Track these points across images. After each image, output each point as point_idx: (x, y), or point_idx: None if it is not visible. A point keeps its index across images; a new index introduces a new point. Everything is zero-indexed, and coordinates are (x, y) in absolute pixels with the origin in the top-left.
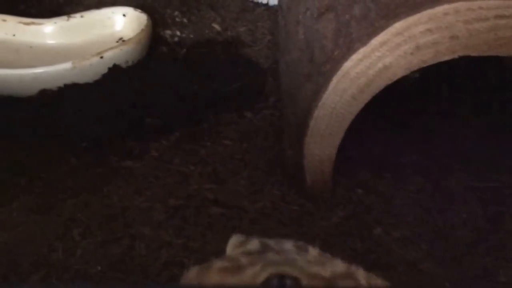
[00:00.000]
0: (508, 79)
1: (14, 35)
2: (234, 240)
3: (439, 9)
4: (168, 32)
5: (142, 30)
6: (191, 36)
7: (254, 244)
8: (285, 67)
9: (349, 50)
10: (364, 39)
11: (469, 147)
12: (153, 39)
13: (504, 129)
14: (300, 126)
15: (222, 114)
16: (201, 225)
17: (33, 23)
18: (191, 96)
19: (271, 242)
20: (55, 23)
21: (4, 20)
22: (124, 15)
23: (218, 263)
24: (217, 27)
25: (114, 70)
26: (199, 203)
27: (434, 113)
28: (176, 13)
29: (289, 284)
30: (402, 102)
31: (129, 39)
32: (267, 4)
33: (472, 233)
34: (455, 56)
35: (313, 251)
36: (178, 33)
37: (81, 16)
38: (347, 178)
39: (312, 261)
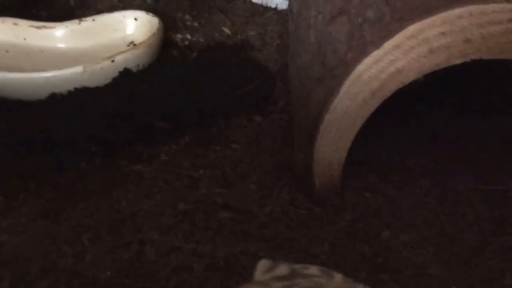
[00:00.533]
0: None
1: (25, 39)
2: (261, 265)
3: (453, 13)
4: (178, 36)
5: (154, 34)
6: (201, 39)
7: (282, 269)
8: (295, 71)
9: (362, 53)
10: (378, 42)
11: (476, 150)
12: (164, 42)
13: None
14: (310, 129)
15: (231, 118)
16: (210, 230)
17: (44, 27)
18: (201, 100)
19: (298, 267)
20: (66, 26)
21: (16, 24)
22: (135, 19)
23: None
24: (227, 30)
25: (125, 74)
26: (209, 208)
27: (441, 116)
28: (187, 16)
29: None
30: (408, 105)
31: (140, 43)
32: (276, 8)
33: (478, 236)
34: (468, 59)
35: (338, 276)
36: (188, 36)
37: (93, 20)
38: (354, 181)
39: (338, 286)
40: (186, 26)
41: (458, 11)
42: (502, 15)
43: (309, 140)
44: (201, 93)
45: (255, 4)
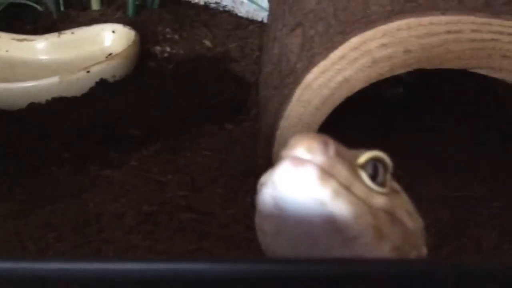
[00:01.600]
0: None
1: (7, 51)
2: None
3: (393, 25)
4: (158, 48)
5: (129, 46)
6: (181, 52)
7: None
8: (262, 80)
9: (310, 63)
10: (324, 53)
11: (446, 159)
12: (143, 54)
13: (482, 141)
14: (268, 136)
15: (203, 126)
16: (171, 230)
17: (25, 40)
18: (174, 109)
19: None
20: (47, 39)
21: None
22: (113, 31)
23: None
24: (207, 43)
25: (101, 84)
26: (172, 209)
27: (415, 127)
28: (168, 30)
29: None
30: (384, 116)
31: (116, 55)
32: (262, 21)
33: (436, 238)
34: (410, 69)
35: None
36: (168, 49)
37: (72, 33)
38: None
39: None
40: (166, 38)
41: (397, 23)
42: (439, 26)
43: (267, 146)
44: (175, 102)
45: (240, 18)
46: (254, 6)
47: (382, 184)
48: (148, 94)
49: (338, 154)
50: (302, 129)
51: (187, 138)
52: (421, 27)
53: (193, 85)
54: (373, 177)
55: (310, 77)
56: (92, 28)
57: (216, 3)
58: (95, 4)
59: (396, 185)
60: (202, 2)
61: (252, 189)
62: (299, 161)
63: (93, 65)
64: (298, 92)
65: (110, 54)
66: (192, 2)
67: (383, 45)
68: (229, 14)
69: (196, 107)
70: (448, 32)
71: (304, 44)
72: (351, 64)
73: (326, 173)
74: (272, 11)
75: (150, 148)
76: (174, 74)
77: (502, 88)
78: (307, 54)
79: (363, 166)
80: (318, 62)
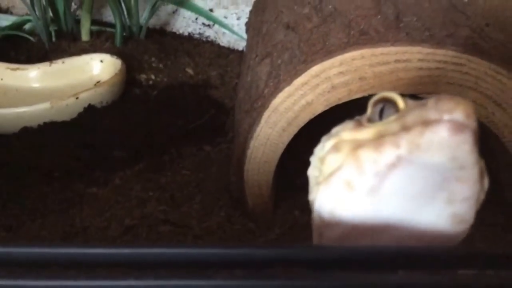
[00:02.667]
0: None
1: (2, 79)
2: None
3: (348, 55)
4: (143, 76)
5: (116, 74)
6: (165, 79)
7: None
8: (236, 105)
9: (276, 89)
10: (288, 80)
11: None
12: (129, 82)
13: None
14: (240, 155)
15: (183, 148)
16: (150, 240)
17: (19, 69)
18: (157, 132)
19: None
20: (39, 68)
21: None
22: (101, 61)
23: None
24: (190, 71)
25: (89, 110)
26: (152, 223)
27: None
28: (153, 59)
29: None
30: None
31: (104, 82)
32: (242, 51)
33: None
34: (365, 94)
35: None
36: (152, 76)
37: (63, 62)
38: (287, 202)
39: None
40: (151, 67)
41: (352, 54)
42: (390, 56)
43: (239, 164)
44: (157, 126)
45: (222, 47)
46: (235, 36)
47: None
48: (132, 118)
49: None
50: (270, 148)
51: (168, 159)
52: (373, 57)
53: (174, 110)
54: None
55: (276, 101)
56: (81, 58)
57: (200, 33)
58: (85, 36)
59: None
60: (186, 33)
61: (226, 204)
62: (459, 126)
63: (82, 92)
64: (266, 115)
65: (98, 82)
66: (177, 33)
67: (341, 73)
68: (212, 44)
69: (177, 130)
70: (398, 61)
71: (272, 72)
72: (312, 89)
73: (476, 138)
74: (248, 41)
75: (133, 168)
76: (158, 100)
77: None
78: (274, 80)
79: None
80: (284, 88)
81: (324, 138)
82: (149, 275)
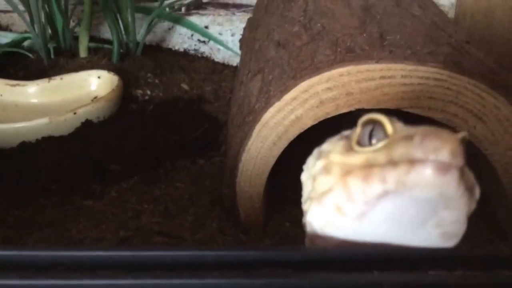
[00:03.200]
0: None
1: (1, 95)
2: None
3: (335, 71)
4: (139, 91)
5: (113, 90)
6: (160, 94)
7: None
8: (230, 120)
9: (267, 104)
10: (278, 95)
11: None
12: (125, 97)
13: None
14: (232, 168)
15: (177, 161)
16: None
17: (18, 85)
18: (152, 146)
19: None
20: (38, 84)
21: None
22: (99, 77)
23: None
24: (185, 86)
25: (87, 125)
26: (146, 234)
27: None
28: (149, 75)
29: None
30: None
31: (101, 98)
32: (236, 66)
33: None
34: (352, 109)
35: None
36: (148, 92)
37: (61, 78)
38: (278, 214)
39: None
40: (147, 83)
41: (339, 70)
42: (375, 73)
43: (231, 177)
44: (152, 140)
45: (217, 63)
46: (229, 52)
47: None
48: (128, 133)
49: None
50: (261, 161)
51: (162, 172)
52: (359, 73)
53: (169, 124)
54: None
55: (267, 116)
56: (79, 74)
57: (195, 49)
58: (83, 52)
59: None
60: (182, 49)
61: (218, 216)
62: (445, 166)
63: (80, 107)
64: (257, 129)
65: (95, 97)
66: (173, 49)
67: (328, 89)
68: (206, 60)
69: (171, 144)
70: (383, 77)
71: (263, 87)
72: (301, 104)
73: (463, 173)
74: (242, 58)
75: (129, 181)
76: (153, 114)
77: None
78: (264, 96)
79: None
80: (274, 103)
81: (315, 152)
82: (147, 275)
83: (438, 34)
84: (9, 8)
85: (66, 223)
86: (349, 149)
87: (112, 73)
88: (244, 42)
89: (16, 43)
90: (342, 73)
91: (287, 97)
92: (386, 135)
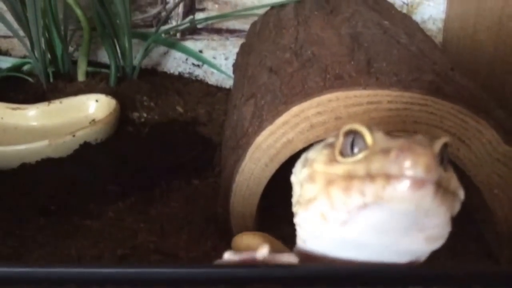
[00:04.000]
0: None
1: (2, 118)
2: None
3: (325, 97)
4: (135, 114)
5: (111, 113)
6: (156, 117)
7: None
8: (223, 142)
9: (259, 128)
10: (270, 120)
11: None
12: (122, 120)
13: None
14: (226, 188)
15: (172, 181)
16: None
17: (18, 108)
18: (148, 167)
19: None
20: (37, 108)
21: None
22: (96, 100)
23: None
24: (180, 109)
25: (85, 147)
26: (143, 252)
27: None
28: (145, 98)
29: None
30: None
31: (99, 121)
32: (229, 89)
33: None
34: None
35: None
36: (144, 114)
37: (60, 102)
38: (271, 232)
39: None
40: (143, 106)
41: (328, 96)
42: (362, 98)
43: (225, 197)
44: (148, 161)
45: (211, 86)
46: (223, 75)
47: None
48: (125, 154)
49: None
50: (254, 182)
51: (158, 192)
52: (347, 99)
53: (165, 146)
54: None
55: (259, 139)
56: (78, 98)
57: (189, 73)
58: (81, 76)
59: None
60: (176, 73)
61: (212, 235)
62: (419, 182)
63: (78, 130)
64: (250, 151)
65: (93, 120)
66: (168, 72)
67: (318, 113)
68: (201, 83)
69: (167, 165)
70: (370, 102)
71: (256, 112)
72: (293, 128)
73: (440, 186)
74: (234, 82)
75: (125, 201)
76: (149, 136)
77: None
78: (257, 120)
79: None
80: (266, 126)
81: (302, 157)
82: None
83: (423, 62)
84: (9, 33)
85: (65, 242)
86: (332, 159)
87: (109, 96)
88: (237, 67)
89: (16, 68)
90: (331, 99)
91: (279, 121)
92: (366, 145)
